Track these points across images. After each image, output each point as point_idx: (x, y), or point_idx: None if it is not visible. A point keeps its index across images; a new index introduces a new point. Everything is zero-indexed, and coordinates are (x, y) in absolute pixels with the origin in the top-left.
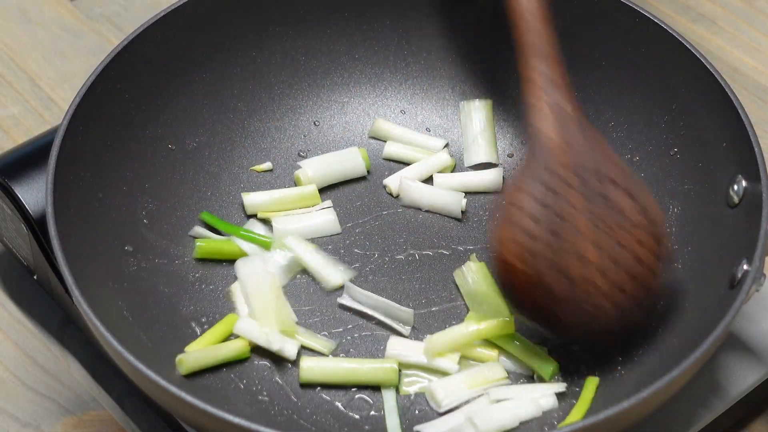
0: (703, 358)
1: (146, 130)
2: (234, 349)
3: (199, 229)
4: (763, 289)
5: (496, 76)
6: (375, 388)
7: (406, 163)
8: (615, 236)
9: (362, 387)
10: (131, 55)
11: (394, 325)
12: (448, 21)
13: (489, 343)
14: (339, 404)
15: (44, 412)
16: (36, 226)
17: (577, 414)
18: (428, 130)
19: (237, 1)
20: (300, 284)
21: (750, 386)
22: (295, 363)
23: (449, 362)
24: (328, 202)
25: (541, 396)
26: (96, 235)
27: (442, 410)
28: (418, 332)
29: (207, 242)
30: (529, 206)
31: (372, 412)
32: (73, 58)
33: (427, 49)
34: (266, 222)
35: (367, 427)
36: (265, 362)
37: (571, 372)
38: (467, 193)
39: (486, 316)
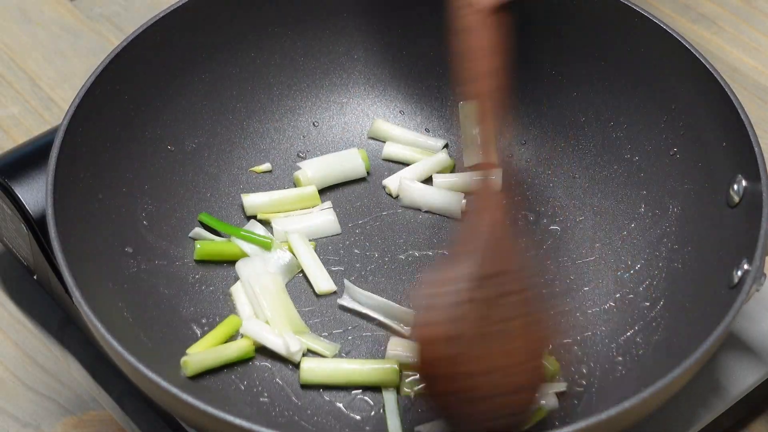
0: (704, 358)
1: (146, 131)
2: (239, 349)
3: (199, 231)
4: (763, 289)
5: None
6: (376, 388)
7: (406, 164)
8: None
9: (363, 388)
10: (131, 55)
11: (395, 325)
12: (447, 21)
13: None
14: (340, 405)
15: (44, 412)
16: (36, 226)
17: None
18: (427, 130)
19: (236, 2)
20: (300, 285)
21: (750, 386)
22: (296, 364)
23: None
24: (328, 203)
25: (541, 396)
26: (96, 236)
27: None
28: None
29: (207, 244)
30: (456, 298)
31: (373, 413)
32: (73, 58)
33: (426, 49)
34: (266, 223)
35: (368, 427)
36: (266, 363)
37: (572, 372)
38: (467, 194)
39: None
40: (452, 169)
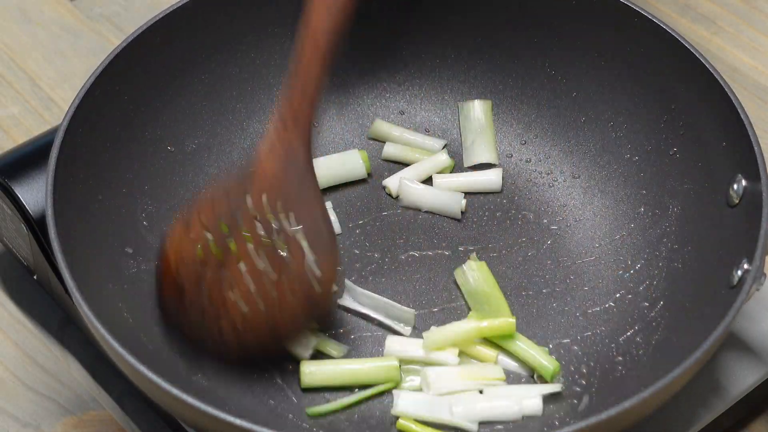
0: (704, 358)
1: (146, 131)
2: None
3: None
4: (763, 289)
5: (495, 76)
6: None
7: (406, 164)
8: (270, 277)
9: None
10: (131, 55)
11: (395, 326)
12: (447, 21)
13: (491, 344)
14: None
15: (44, 412)
16: (36, 226)
17: None
18: (427, 130)
19: (236, 2)
20: None
21: (750, 386)
22: (296, 364)
23: (448, 355)
24: (328, 203)
25: (526, 397)
26: (96, 236)
27: (431, 394)
28: (418, 333)
29: None
30: (208, 221)
31: (375, 414)
32: (73, 58)
33: (425, 49)
34: None
35: (369, 428)
36: (266, 364)
37: (572, 372)
38: (467, 194)
39: (487, 315)
40: (452, 169)
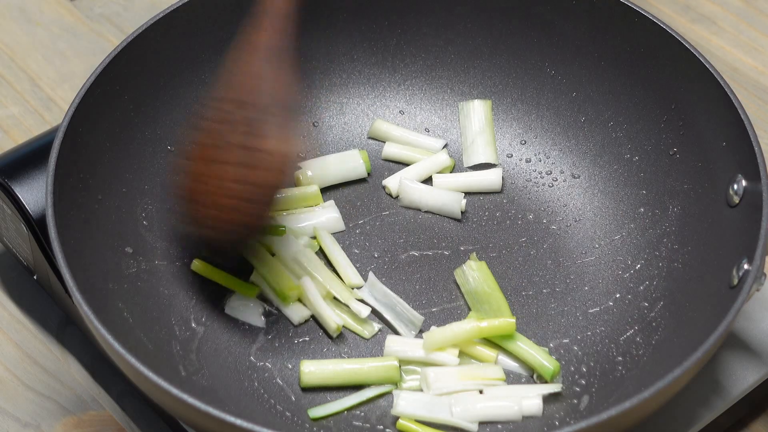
0: (704, 358)
1: (145, 131)
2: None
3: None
4: (764, 289)
5: (494, 76)
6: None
7: (406, 164)
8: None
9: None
10: (131, 55)
11: (400, 328)
12: (447, 21)
13: (491, 344)
14: None
15: (44, 412)
16: (36, 226)
17: None
18: (427, 130)
19: (236, 2)
20: None
21: (750, 386)
22: (296, 364)
23: (448, 355)
24: (330, 201)
25: (526, 397)
26: (96, 237)
27: (431, 394)
28: (418, 333)
29: (204, 270)
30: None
31: (375, 414)
32: (73, 58)
33: (425, 49)
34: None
35: (369, 428)
36: (266, 363)
37: (572, 372)
38: (467, 194)
39: (487, 315)
40: (452, 169)
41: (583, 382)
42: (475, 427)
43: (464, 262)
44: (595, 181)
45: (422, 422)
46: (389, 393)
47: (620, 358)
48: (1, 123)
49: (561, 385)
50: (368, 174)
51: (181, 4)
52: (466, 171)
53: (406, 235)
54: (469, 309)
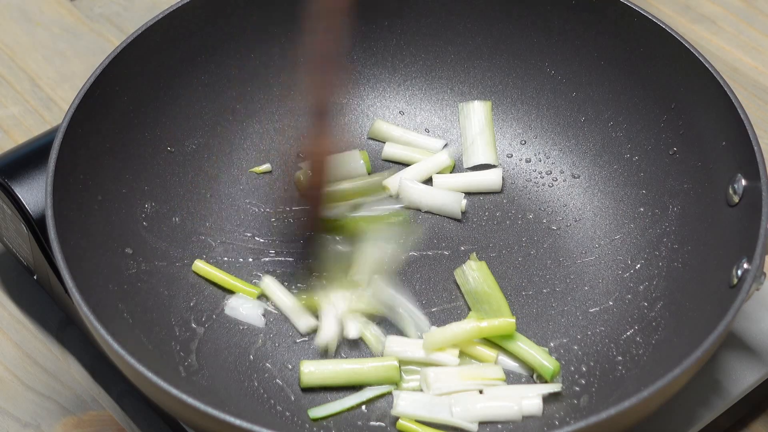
0: (704, 357)
1: (145, 132)
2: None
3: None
4: (763, 289)
5: (495, 76)
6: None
7: (406, 164)
8: None
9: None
10: (131, 55)
11: (407, 328)
12: (447, 21)
13: (491, 344)
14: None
15: (44, 412)
16: (36, 226)
17: None
18: (427, 130)
19: (236, 2)
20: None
21: (750, 386)
22: (296, 364)
23: (448, 356)
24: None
25: (526, 397)
26: (96, 238)
27: (431, 394)
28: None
29: (205, 272)
30: None
31: (375, 414)
32: (73, 58)
33: (425, 49)
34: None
35: (369, 428)
36: (266, 364)
37: (571, 372)
38: (467, 194)
39: (487, 315)
40: (452, 170)
41: (583, 382)
42: (475, 427)
43: (464, 262)
44: (595, 180)
45: (422, 422)
46: (389, 393)
47: (620, 358)
48: (1, 123)
49: (561, 384)
50: (368, 174)
51: (181, 4)
52: (467, 171)
53: (407, 235)
54: (469, 309)
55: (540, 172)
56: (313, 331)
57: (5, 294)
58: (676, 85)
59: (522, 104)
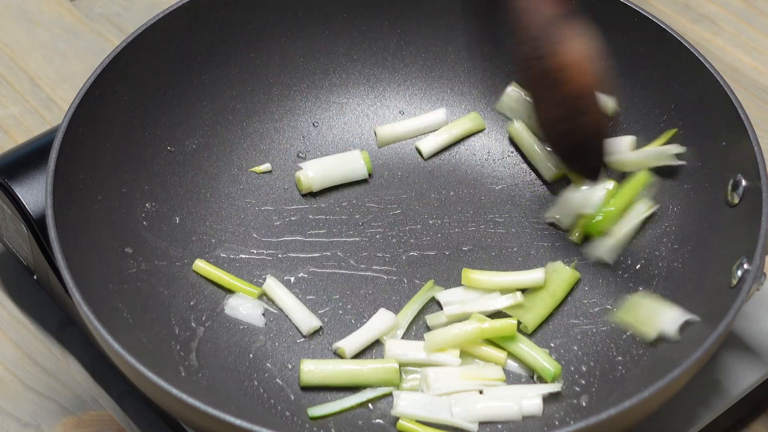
0: (704, 357)
1: (145, 132)
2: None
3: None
4: (764, 289)
5: (495, 76)
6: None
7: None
8: None
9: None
10: (131, 55)
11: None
12: (447, 21)
13: (495, 345)
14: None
15: (44, 412)
16: (36, 226)
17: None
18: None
19: (236, 2)
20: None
21: (750, 386)
22: (296, 364)
23: (449, 356)
24: (331, 200)
25: (526, 398)
26: (96, 237)
27: (431, 394)
28: (418, 333)
29: (205, 271)
30: None
31: (376, 412)
32: (73, 58)
33: (425, 49)
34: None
35: (369, 428)
36: (266, 363)
37: (572, 372)
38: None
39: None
40: (483, 129)
41: (583, 382)
42: (475, 427)
43: (465, 263)
44: None
45: (422, 422)
46: (389, 395)
47: (620, 358)
48: (1, 123)
49: (561, 385)
50: (369, 175)
51: (181, 4)
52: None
53: (407, 235)
54: None
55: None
56: (315, 332)
57: (5, 294)
58: (676, 85)
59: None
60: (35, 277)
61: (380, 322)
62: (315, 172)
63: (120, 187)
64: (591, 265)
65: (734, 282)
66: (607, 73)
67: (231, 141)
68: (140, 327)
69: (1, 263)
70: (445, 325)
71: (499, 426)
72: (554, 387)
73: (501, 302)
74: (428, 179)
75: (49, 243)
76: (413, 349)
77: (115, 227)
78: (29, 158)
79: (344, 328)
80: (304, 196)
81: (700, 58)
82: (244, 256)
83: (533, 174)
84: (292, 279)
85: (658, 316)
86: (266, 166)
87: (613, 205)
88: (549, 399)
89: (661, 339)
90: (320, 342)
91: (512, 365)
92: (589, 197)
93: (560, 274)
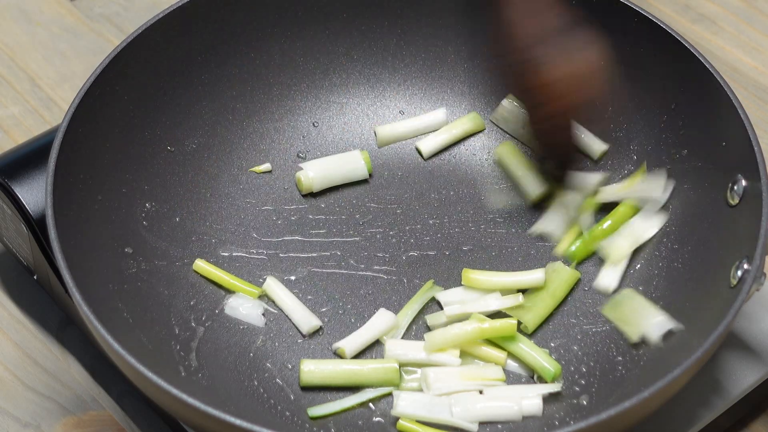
0: (704, 357)
1: (145, 132)
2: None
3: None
4: (764, 289)
5: (494, 76)
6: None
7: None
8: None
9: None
10: (131, 55)
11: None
12: (447, 21)
13: (495, 345)
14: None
15: (44, 412)
16: (36, 226)
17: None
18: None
19: (236, 2)
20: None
21: (750, 386)
22: (296, 364)
23: (449, 356)
24: (330, 201)
25: (526, 398)
26: (96, 237)
27: (431, 394)
28: (418, 333)
29: (205, 271)
30: None
31: (376, 411)
32: (73, 58)
33: (425, 49)
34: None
35: (369, 428)
36: (266, 363)
37: (572, 372)
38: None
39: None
40: (482, 129)
41: (583, 382)
42: (475, 427)
43: (465, 263)
44: None
45: (422, 422)
46: (389, 395)
47: (620, 358)
48: (1, 123)
49: (561, 385)
50: (369, 175)
51: (181, 4)
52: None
53: (407, 235)
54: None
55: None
56: (315, 332)
57: (5, 294)
58: (676, 85)
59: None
60: (35, 277)
61: (380, 322)
62: (315, 172)
63: (120, 187)
64: (591, 265)
65: (734, 282)
66: (605, 84)
67: (231, 141)
68: (140, 327)
69: (1, 263)
70: (445, 325)
71: (499, 426)
72: (554, 387)
73: (501, 302)
74: (428, 179)
75: (49, 243)
76: (413, 349)
77: (115, 227)
78: (29, 158)
79: (344, 328)
80: (304, 196)
81: (700, 58)
82: (244, 255)
83: None
84: (292, 279)
85: (643, 320)
86: (266, 166)
87: (602, 225)
88: (549, 399)
89: (643, 342)
90: (320, 342)
91: (512, 365)
92: (577, 213)
93: (560, 275)
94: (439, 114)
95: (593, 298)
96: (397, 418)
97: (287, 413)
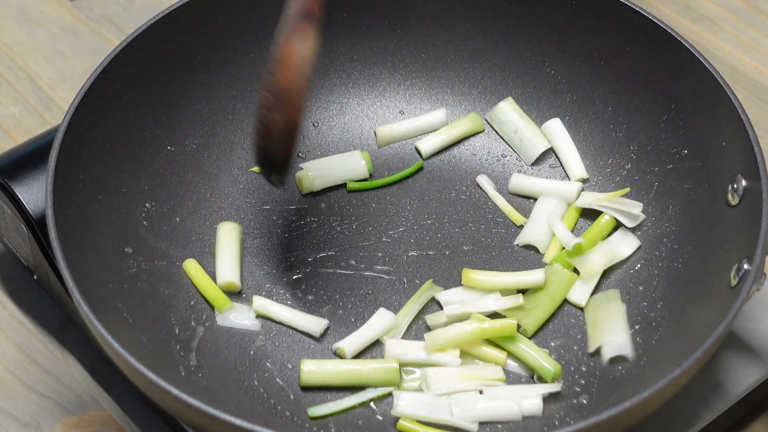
0: (704, 357)
1: (145, 132)
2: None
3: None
4: (764, 289)
5: (494, 76)
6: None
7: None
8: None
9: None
10: (131, 55)
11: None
12: (447, 21)
13: (496, 345)
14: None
15: (44, 412)
16: (36, 226)
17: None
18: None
19: (236, 2)
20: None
21: (750, 386)
22: (296, 364)
23: (449, 356)
24: (330, 202)
25: (526, 398)
26: (96, 237)
27: (431, 394)
28: (418, 333)
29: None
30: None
31: (376, 413)
32: (73, 58)
33: (425, 49)
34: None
35: (369, 428)
36: (266, 363)
37: (572, 372)
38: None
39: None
40: (482, 130)
41: (583, 382)
42: (475, 427)
43: (465, 263)
44: (595, 181)
45: (422, 422)
46: (389, 395)
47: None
48: (1, 123)
49: (561, 385)
50: (370, 175)
51: (181, 4)
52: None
53: (407, 235)
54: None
55: (540, 172)
56: (326, 330)
57: (5, 294)
58: (676, 85)
59: (522, 105)
60: (35, 277)
61: (380, 322)
62: (315, 172)
63: (120, 187)
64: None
65: (734, 282)
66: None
67: (231, 141)
68: (140, 327)
69: (1, 263)
70: (445, 325)
71: (499, 426)
72: (554, 387)
73: (501, 303)
74: (428, 179)
75: (49, 243)
76: (413, 349)
77: (115, 227)
78: (29, 158)
79: (344, 328)
80: (304, 196)
81: (700, 58)
82: (243, 255)
83: None
84: (293, 279)
85: (608, 332)
86: None
87: (583, 238)
88: (549, 399)
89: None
90: (320, 342)
91: (512, 365)
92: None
93: (560, 277)
94: (438, 114)
95: None
96: (397, 418)
97: (287, 413)
